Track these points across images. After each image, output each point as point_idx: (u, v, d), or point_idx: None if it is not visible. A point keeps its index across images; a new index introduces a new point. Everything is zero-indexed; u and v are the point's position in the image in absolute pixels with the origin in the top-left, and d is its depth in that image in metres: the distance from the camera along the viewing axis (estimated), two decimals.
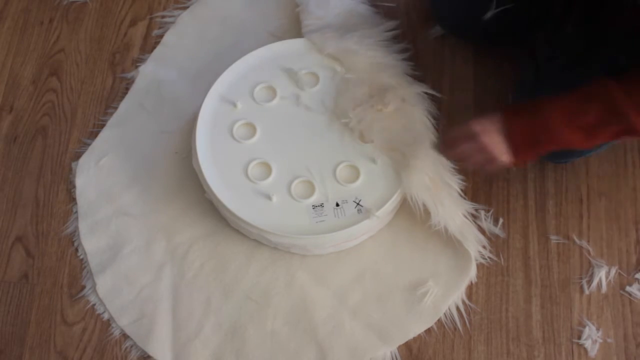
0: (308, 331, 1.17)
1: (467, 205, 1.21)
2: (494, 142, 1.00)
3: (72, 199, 1.29)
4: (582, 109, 0.96)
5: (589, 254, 1.21)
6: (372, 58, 1.24)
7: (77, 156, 1.32)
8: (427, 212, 1.16)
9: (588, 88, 0.96)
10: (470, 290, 1.19)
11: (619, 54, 1.03)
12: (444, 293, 1.18)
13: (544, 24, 1.23)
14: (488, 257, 1.20)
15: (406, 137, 1.17)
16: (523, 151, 1.01)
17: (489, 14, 1.18)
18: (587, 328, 1.16)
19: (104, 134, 1.34)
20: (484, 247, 1.20)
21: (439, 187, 1.16)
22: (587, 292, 1.18)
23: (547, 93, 1.12)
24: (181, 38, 1.43)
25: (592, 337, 1.15)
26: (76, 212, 1.28)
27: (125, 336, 1.19)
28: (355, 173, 1.18)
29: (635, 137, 0.98)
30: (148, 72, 1.39)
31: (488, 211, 1.24)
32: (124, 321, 1.19)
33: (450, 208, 1.16)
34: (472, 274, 1.19)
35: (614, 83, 0.94)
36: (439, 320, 1.17)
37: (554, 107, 0.97)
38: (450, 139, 1.08)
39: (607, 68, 1.00)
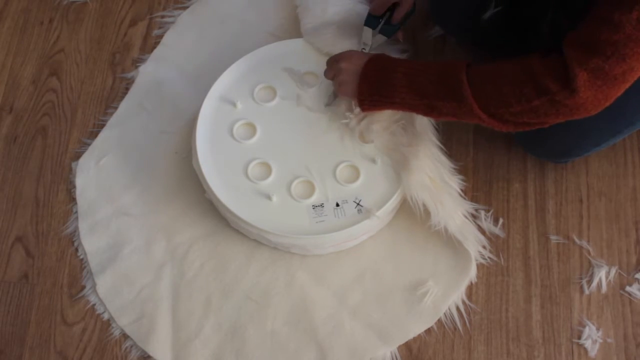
0: (308, 331, 1.17)
1: (467, 205, 1.21)
2: (349, 72, 1.09)
3: (72, 199, 1.29)
4: (425, 73, 1.01)
5: (589, 254, 1.21)
6: None
7: (77, 156, 1.32)
8: (427, 212, 1.16)
9: (445, 61, 1.02)
10: (470, 290, 1.19)
11: None
12: (444, 293, 1.18)
13: (543, 24, 1.22)
14: (488, 257, 1.20)
15: (406, 137, 1.17)
16: (365, 97, 1.08)
17: (487, 14, 1.18)
18: (587, 328, 1.16)
19: (104, 134, 1.34)
20: (484, 247, 1.20)
21: (439, 187, 1.16)
22: (587, 292, 1.18)
23: None
24: (181, 38, 1.43)
25: (592, 337, 1.15)
26: (76, 212, 1.28)
27: (125, 336, 1.19)
28: (355, 173, 1.18)
29: (476, 122, 1.00)
30: (148, 72, 1.39)
31: (488, 211, 1.24)
32: (124, 321, 1.19)
33: (450, 208, 1.16)
34: (472, 274, 1.19)
35: (464, 63, 0.99)
36: (439, 320, 1.17)
37: (403, 65, 1.04)
38: (331, 58, 1.15)
39: None
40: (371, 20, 1.21)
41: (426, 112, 1.04)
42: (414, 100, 1.03)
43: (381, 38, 1.22)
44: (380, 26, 1.21)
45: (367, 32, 1.21)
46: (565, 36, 0.92)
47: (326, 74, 1.16)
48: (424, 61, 1.05)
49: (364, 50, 1.21)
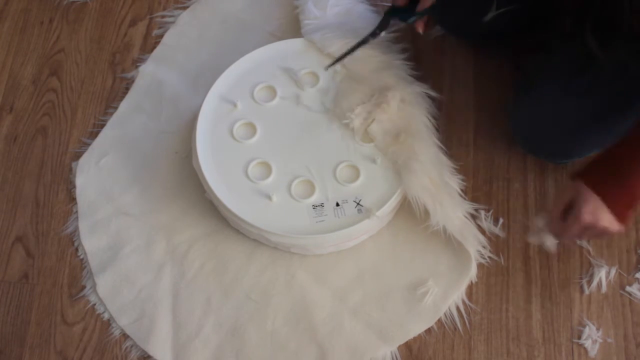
0: (308, 331, 1.17)
1: (467, 205, 1.21)
2: (609, 222, 0.98)
3: (72, 199, 1.29)
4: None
5: (589, 254, 1.21)
6: (372, 58, 1.24)
7: (77, 156, 1.32)
8: (427, 212, 1.16)
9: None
10: (470, 290, 1.19)
11: (627, 58, 1.02)
12: (444, 293, 1.18)
13: (544, 24, 1.23)
14: (488, 257, 1.20)
15: (406, 137, 1.17)
16: (628, 215, 0.99)
17: (489, 16, 1.18)
18: (587, 328, 1.16)
19: (104, 134, 1.34)
20: (484, 247, 1.20)
21: (439, 187, 1.16)
22: (587, 292, 1.18)
23: (547, 96, 1.12)
24: (181, 38, 1.43)
25: (592, 337, 1.15)
26: (76, 212, 1.28)
27: (125, 336, 1.19)
28: (356, 173, 1.18)
29: None
30: (148, 72, 1.39)
31: (488, 211, 1.24)
32: (124, 321, 1.19)
33: (450, 208, 1.16)
34: (472, 273, 1.19)
35: None
36: (439, 320, 1.17)
37: (628, 162, 0.96)
38: (564, 231, 1.04)
39: (617, 73, 1.00)
40: (395, 12, 1.18)
41: None
42: None
43: (398, 23, 1.19)
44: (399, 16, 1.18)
45: (386, 19, 1.18)
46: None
47: (576, 236, 1.04)
48: (621, 141, 0.98)
49: (376, 33, 1.18)
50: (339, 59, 1.21)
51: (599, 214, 0.97)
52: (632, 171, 0.95)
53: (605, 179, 0.97)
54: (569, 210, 1.01)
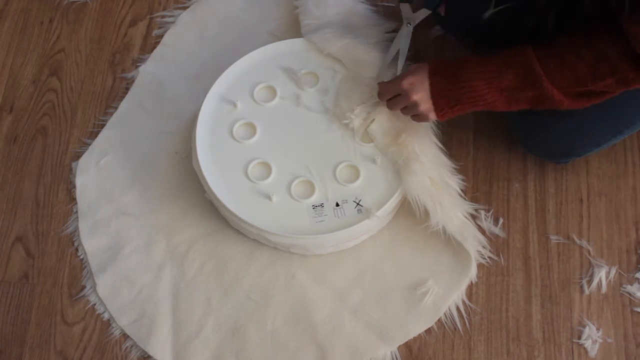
0: (308, 331, 1.17)
1: (467, 205, 1.21)
2: (423, 100, 1.07)
3: (72, 199, 1.29)
4: (500, 72, 1.02)
5: (589, 254, 1.21)
6: (372, 58, 1.24)
7: (77, 156, 1.32)
8: (427, 212, 1.16)
9: (508, 52, 1.03)
10: (471, 290, 1.19)
11: None
12: (444, 293, 1.18)
13: (543, 23, 1.22)
14: (488, 257, 1.20)
15: (406, 137, 1.17)
16: (446, 110, 1.07)
17: (488, 13, 1.18)
18: (587, 328, 1.16)
19: (104, 134, 1.34)
20: (484, 247, 1.20)
21: (439, 187, 1.16)
22: (587, 292, 1.18)
23: None
24: (181, 38, 1.43)
25: (592, 337, 1.15)
26: (76, 212, 1.28)
27: (125, 336, 1.19)
28: (355, 173, 1.18)
29: (554, 106, 1.04)
30: (148, 72, 1.39)
31: (488, 211, 1.24)
32: (124, 321, 1.19)
33: (450, 208, 1.16)
34: (472, 273, 1.19)
35: (531, 49, 1.01)
36: (439, 320, 1.17)
37: (475, 70, 1.04)
38: (385, 89, 1.13)
39: None
40: None
41: (506, 104, 1.05)
42: (494, 95, 1.04)
43: (425, 12, 1.19)
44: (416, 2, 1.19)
45: (406, 7, 1.18)
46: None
47: (392, 106, 1.14)
48: (485, 56, 1.06)
49: (409, 25, 1.19)
50: (400, 61, 1.21)
51: (416, 87, 1.07)
52: (465, 75, 1.04)
53: (442, 68, 1.06)
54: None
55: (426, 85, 1.07)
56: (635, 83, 0.98)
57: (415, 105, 1.08)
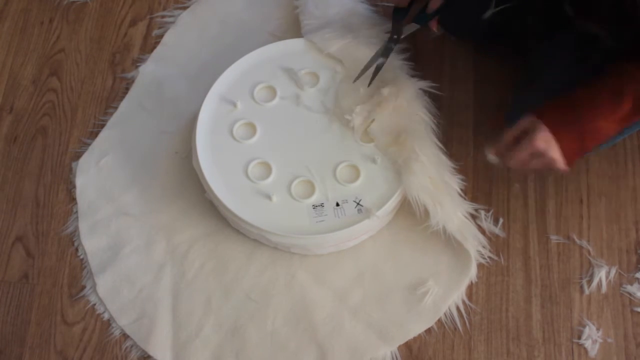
0: (308, 331, 1.17)
1: (467, 205, 1.21)
2: (558, 156, 1.02)
3: (72, 199, 1.29)
4: (616, 102, 0.99)
5: (589, 254, 1.21)
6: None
7: (77, 156, 1.32)
8: (427, 212, 1.16)
9: (613, 80, 1.00)
10: (470, 290, 1.19)
11: (611, 45, 1.03)
12: (444, 293, 1.18)
13: (543, 23, 1.22)
14: (488, 257, 1.20)
15: (406, 137, 1.17)
16: (575, 156, 1.03)
17: (488, 13, 1.18)
18: (587, 328, 1.16)
19: (104, 134, 1.34)
20: (484, 247, 1.20)
21: (439, 187, 1.16)
22: (587, 292, 1.18)
23: (546, 91, 1.12)
24: (181, 38, 1.43)
25: (592, 337, 1.15)
26: (76, 212, 1.28)
27: (125, 336, 1.19)
28: (356, 173, 1.18)
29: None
30: (148, 72, 1.39)
31: (488, 211, 1.24)
32: (124, 321, 1.19)
33: (450, 208, 1.16)
34: (472, 273, 1.19)
35: (634, 67, 0.98)
36: (439, 320, 1.17)
37: (593, 111, 1.00)
38: (516, 159, 1.07)
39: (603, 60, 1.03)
40: (398, 12, 1.21)
41: (617, 129, 1.03)
42: (616, 127, 1.02)
43: (413, 26, 1.20)
44: (406, 17, 1.21)
45: (396, 20, 1.20)
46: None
47: (522, 164, 1.07)
48: (588, 86, 1.02)
49: (395, 38, 1.21)
50: (374, 76, 1.21)
51: (551, 143, 1.01)
52: (586, 119, 1.00)
53: (561, 120, 1.02)
54: (521, 139, 1.04)
55: (552, 137, 1.02)
56: None
57: (551, 161, 1.03)
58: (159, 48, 1.42)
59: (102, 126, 1.34)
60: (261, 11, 1.43)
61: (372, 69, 1.21)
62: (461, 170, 1.23)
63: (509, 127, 1.24)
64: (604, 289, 1.18)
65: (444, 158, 1.20)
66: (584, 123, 1.01)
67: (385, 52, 1.22)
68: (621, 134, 1.13)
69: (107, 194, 1.28)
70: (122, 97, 1.37)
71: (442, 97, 1.27)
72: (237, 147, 1.21)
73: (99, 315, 1.20)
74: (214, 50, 1.40)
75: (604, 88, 1.00)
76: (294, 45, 1.29)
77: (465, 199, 1.22)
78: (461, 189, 1.20)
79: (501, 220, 1.24)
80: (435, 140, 1.20)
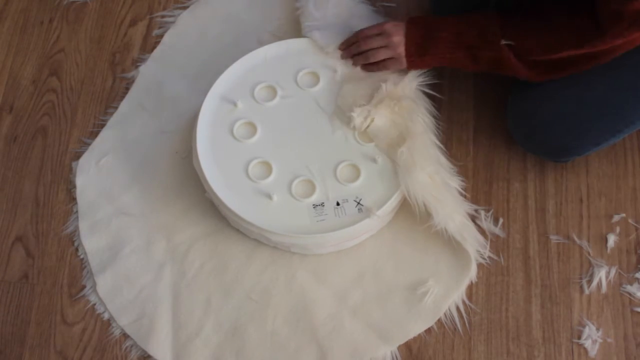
0: (308, 331, 1.17)
1: (467, 206, 1.21)
2: (400, 43, 1.16)
3: (72, 199, 1.29)
4: (465, 30, 1.12)
5: (589, 254, 1.21)
6: None
7: (77, 156, 1.32)
8: (427, 212, 1.16)
9: (477, 13, 1.12)
10: (471, 290, 1.19)
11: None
12: (444, 293, 1.18)
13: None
14: (488, 257, 1.20)
15: (406, 137, 1.17)
16: (415, 58, 1.16)
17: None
18: (587, 328, 1.16)
19: (104, 134, 1.34)
20: (484, 247, 1.20)
21: (439, 187, 1.16)
22: (587, 292, 1.19)
23: (546, 91, 1.13)
24: (181, 38, 1.43)
25: (592, 337, 1.15)
26: (76, 212, 1.28)
27: (125, 336, 1.19)
28: (356, 172, 1.18)
29: (513, 73, 1.12)
30: (148, 72, 1.39)
31: (488, 211, 1.24)
32: (124, 321, 1.19)
33: (450, 208, 1.16)
34: (472, 273, 1.19)
35: (498, 14, 1.10)
36: (439, 320, 1.17)
37: (445, 25, 1.13)
38: (363, 34, 1.20)
39: (615, 66, 1.06)
40: None
41: (471, 64, 1.14)
42: (459, 52, 1.13)
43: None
44: None
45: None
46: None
47: (369, 43, 1.19)
48: (458, 16, 1.14)
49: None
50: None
51: (399, 29, 1.16)
52: (436, 29, 1.14)
53: (419, 22, 1.15)
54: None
55: (404, 30, 1.15)
56: (603, 56, 1.03)
57: (393, 45, 1.16)
58: (159, 48, 1.42)
59: (102, 126, 1.34)
60: (261, 11, 1.43)
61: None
62: (461, 170, 1.23)
63: (509, 126, 1.24)
64: (604, 289, 1.18)
65: (443, 158, 1.20)
66: (432, 29, 1.14)
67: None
68: (620, 132, 1.13)
69: (107, 193, 1.28)
70: (122, 97, 1.37)
71: (442, 97, 1.27)
72: (238, 146, 1.21)
73: (99, 315, 1.20)
74: (214, 50, 1.40)
75: (469, 15, 1.12)
76: (294, 45, 1.29)
77: (465, 199, 1.22)
78: (461, 189, 1.20)
79: (501, 221, 1.24)
80: (435, 140, 1.20)
